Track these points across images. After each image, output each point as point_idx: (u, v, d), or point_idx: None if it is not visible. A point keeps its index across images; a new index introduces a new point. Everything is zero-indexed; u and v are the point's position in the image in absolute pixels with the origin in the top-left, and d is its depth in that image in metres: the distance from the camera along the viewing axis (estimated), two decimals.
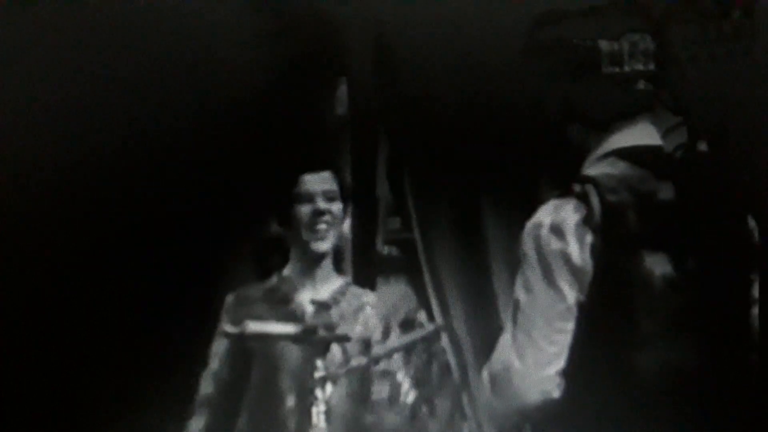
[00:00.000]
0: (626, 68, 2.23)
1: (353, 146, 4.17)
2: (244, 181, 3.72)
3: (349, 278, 3.38)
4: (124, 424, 3.51)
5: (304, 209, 3.21)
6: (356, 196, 3.79)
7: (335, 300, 3.22)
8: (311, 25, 3.93)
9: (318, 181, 3.23)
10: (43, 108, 3.59)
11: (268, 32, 3.87)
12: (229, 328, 2.80)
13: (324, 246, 3.23)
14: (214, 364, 3.27)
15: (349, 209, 3.34)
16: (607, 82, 2.24)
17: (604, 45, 2.23)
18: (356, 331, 3.09)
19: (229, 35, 3.79)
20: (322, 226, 3.19)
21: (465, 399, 3.77)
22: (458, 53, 3.87)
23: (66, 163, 3.61)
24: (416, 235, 4.09)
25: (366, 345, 3.07)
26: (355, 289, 3.30)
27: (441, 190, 4.06)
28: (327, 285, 3.27)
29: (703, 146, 2.28)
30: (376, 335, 3.14)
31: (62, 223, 3.65)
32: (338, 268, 3.37)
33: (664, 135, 2.25)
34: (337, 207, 3.24)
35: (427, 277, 4.03)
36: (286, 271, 3.28)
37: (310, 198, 3.22)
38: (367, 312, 3.21)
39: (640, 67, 2.22)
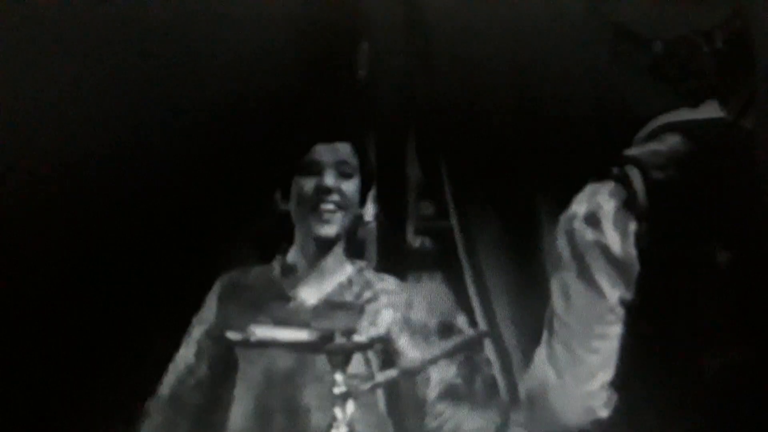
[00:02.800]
0: (684, 80, 2.08)
1: (377, 114, 3.89)
2: (248, 148, 3.50)
3: (363, 263, 3.08)
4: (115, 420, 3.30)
5: (308, 183, 2.93)
6: (381, 175, 3.58)
7: (339, 293, 2.99)
8: None
9: (330, 152, 2.95)
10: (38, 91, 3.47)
11: None
12: (231, 334, 2.49)
13: (328, 231, 2.93)
14: (190, 356, 3.01)
15: (372, 193, 3.10)
16: (657, 85, 2.11)
17: (657, 47, 2.09)
18: (366, 329, 2.86)
19: None
20: (328, 207, 2.92)
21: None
22: (500, 15, 3.60)
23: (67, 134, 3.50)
24: (454, 223, 3.79)
25: (387, 348, 2.84)
26: (369, 275, 3.03)
27: (483, 168, 3.74)
28: (336, 276, 3.00)
29: None
30: (395, 333, 2.88)
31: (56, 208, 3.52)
32: (351, 256, 3.09)
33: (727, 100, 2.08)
34: (350, 186, 2.95)
35: (467, 275, 3.72)
36: (290, 257, 3.01)
37: (317, 170, 2.93)
38: (381, 302, 2.94)
39: (697, 77, 2.07)
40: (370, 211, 3.26)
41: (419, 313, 2.97)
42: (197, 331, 3.02)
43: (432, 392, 2.87)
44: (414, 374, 2.70)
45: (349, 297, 2.98)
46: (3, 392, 3.43)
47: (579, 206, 2.06)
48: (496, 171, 3.75)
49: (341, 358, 2.40)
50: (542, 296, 3.36)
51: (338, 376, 2.38)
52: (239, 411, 2.93)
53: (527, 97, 3.65)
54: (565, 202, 3.40)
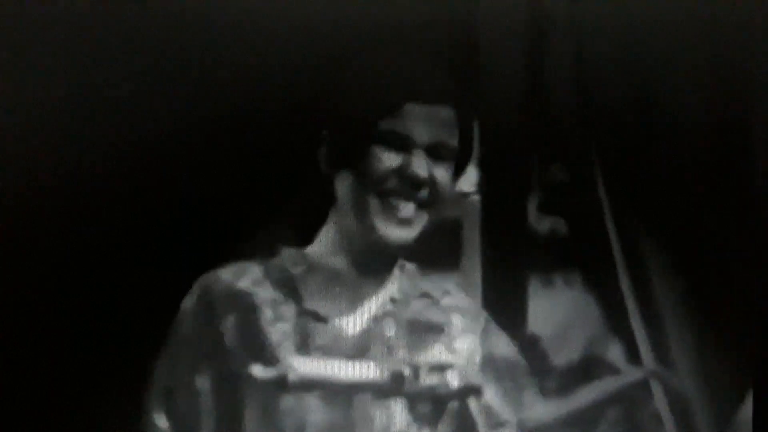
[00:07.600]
0: None
1: (484, 42, 3.17)
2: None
3: (410, 265, 2.49)
4: None
5: (389, 160, 2.33)
6: (486, 125, 2.92)
7: (384, 314, 2.38)
8: None
9: (428, 121, 2.35)
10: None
11: None
12: (258, 370, 2.04)
13: (405, 234, 2.34)
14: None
15: (476, 174, 2.75)
16: None
17: None
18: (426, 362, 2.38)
19: None
20: (412, 204, 2.35)
21: None
22: None
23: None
24: (602, 195, 3.07)
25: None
26: (424, 284, 2.50)
27: (649, 114, 3.02)
28: (381, 286, 2.42)
29: None
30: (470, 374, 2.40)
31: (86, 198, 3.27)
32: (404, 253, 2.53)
33: None
34: (445, 173, 2.37)
35: (623, 278, 3.02)
36: (320, 248, 2.40)
37: (405, 145, 2.33)
38: (455, 326, 2.42)
39: None
40: (470, 179, 2.73)
41: (501, 345, 2.45)
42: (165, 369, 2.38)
43: None
44: None
45: (406, 317, 2.42)
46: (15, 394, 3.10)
47: None
48: (661, 113, 3.03)
49: (431, 410, 2.09)
50: (742, 316, 3.02)
51: None
52: None
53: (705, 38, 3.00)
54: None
